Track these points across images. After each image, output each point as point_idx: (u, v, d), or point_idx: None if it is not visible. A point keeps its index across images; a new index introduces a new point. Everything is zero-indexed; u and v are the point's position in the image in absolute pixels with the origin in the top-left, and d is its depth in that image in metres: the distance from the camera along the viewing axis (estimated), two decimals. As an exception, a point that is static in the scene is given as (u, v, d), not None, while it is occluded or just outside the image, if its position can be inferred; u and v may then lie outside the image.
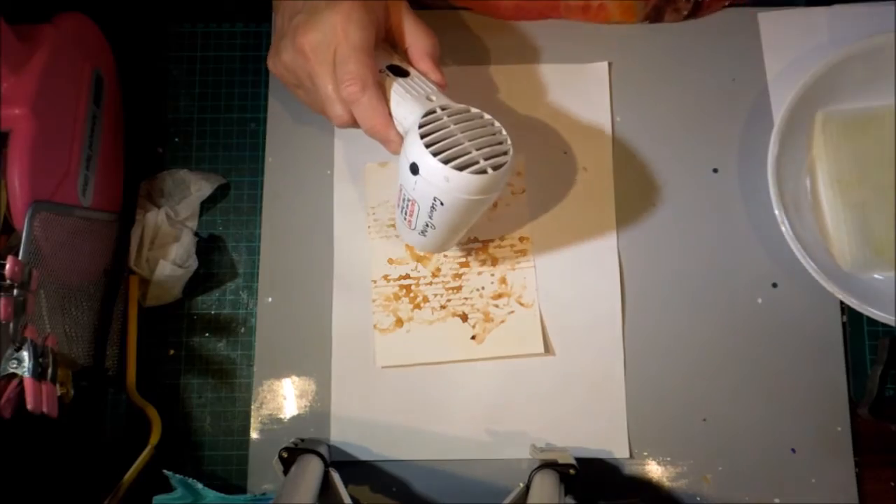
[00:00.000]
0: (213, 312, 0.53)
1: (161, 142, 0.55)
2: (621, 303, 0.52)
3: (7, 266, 0.38)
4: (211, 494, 0.48)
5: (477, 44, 0.55)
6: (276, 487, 0.50)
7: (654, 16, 0.54)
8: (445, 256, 0.52)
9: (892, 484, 0.50)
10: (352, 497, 0.45)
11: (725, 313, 0.52)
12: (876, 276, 0.51)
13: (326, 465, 0.47)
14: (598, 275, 0.52)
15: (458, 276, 0.52)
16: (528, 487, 0.45)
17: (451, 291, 0.52)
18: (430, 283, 0.52)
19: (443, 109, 0.41)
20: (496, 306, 0.52)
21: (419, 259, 0.52)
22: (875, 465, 0.50)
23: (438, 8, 0.55)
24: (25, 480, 0.49)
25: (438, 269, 0.52)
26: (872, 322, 0.51)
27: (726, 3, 0.54)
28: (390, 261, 0.52)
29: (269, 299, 0.52)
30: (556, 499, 0.42)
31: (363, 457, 0.51)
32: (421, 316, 0.52)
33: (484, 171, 0.39)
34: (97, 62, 0.49)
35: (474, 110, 0.42)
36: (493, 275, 0.52)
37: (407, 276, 0.52)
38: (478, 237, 0.53)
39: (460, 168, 0.39)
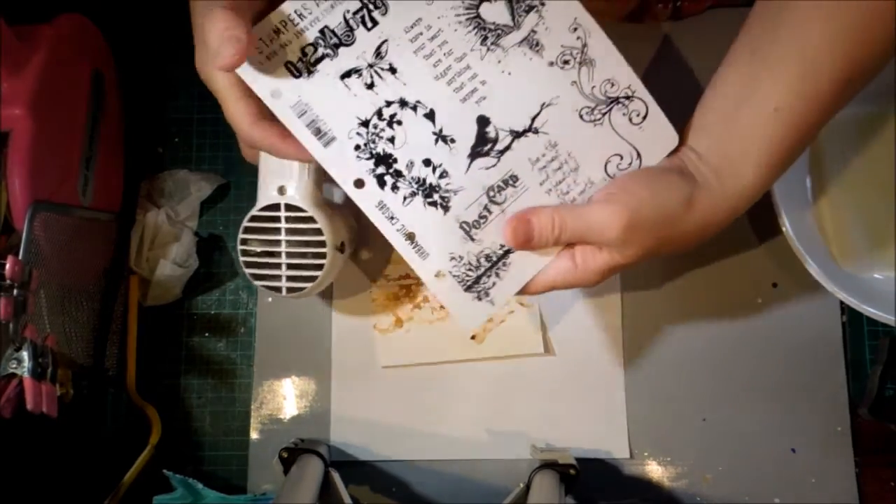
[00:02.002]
0: (213, 312, 0.53)
1: (161, 142, 0.55)
2: (621, 303, 0.52)
3: (7, 266, 0.38)
4: (211, 494, 0.48)
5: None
6: (276, 487, 0.50)
7: (631, 19, 0.54)
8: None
9: (892, 484, 0.50)
10: (352, 497, 0.45)
11: (725, 313, 0.52)
12: (876, 276, 0.51)
13: (326, 465, 0.47)
14: (598, 275, 0.52)
15: (458, 276, 0.52)
16: (528, 487, 0.45)
17: (451, 291, 0.52)
18: (430, 283, 0.52)
19: (263, 220, 0.43)
20: (496, 306, 0.52)
21: (419, 259, 0.52)
22: (875, 465, 0.50)
23: None
24: (25, 480, 0.49)
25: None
26: (872, 322, 0.51)
27: (704, 6, 0.54)
28: (390, 261, 0.52)
29: (269, 299, 0.52)
30: (556, 499, 0.42)
31: (363, 457, 0.51)
32: (421, 316, 0.52)
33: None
34: (97, 62, 0.49)
35: (308, 215, 0.43)
36: (493, 275, 0.52)
37: (407, 276, 0.52)
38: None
39: (268, 287, 0.44)
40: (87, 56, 0.48)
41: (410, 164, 0.37)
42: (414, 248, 0.38)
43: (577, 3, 0.36)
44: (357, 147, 0.37)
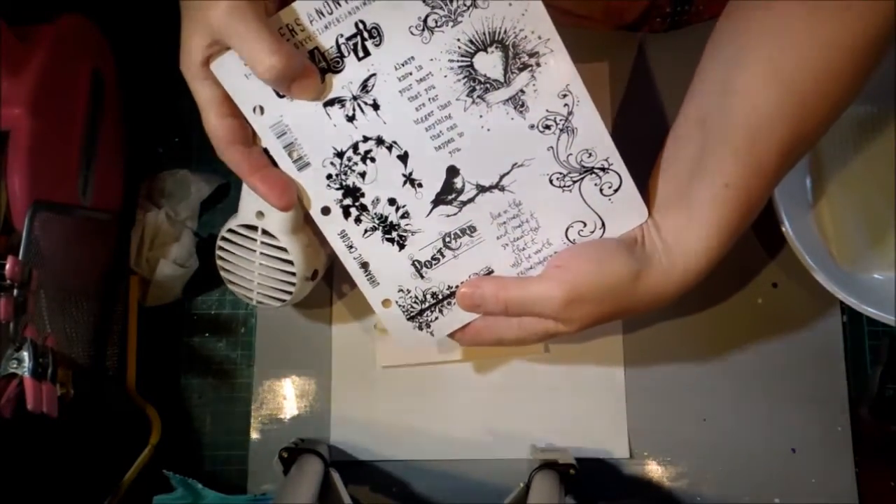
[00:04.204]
0: (213, 312, 0.53)
1: (161, 142, 0.55)
2: (621, 303, 0.52)
3: (7, 266, 0.38)
4: (211, 494, 0.48)
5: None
6: (276, 487, 0.50)
7: (630, 28, 0.54)
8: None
9: (892, 484, 0.50)
10: (352, 497, 0.45)
11: (725, 313, 0.52)
12: (876, 276, 0.51)
13: (326, 465, 0.47)
14: (598, 275, 0.52)
15: (458, 276, 0.52)
16: (528, 487, 0.45)
17: (451, 291, 0.52)
18: (430, 283, 0.52)
19: (241, 236, 0.43)
20: (496, 306, 0.52)
21: (419, 259, 0.52)
22: (875, 465, 0.50)
23: None
24: (25, 480, 0.49)
25: (438, 269, 0.52)
26: (872, 322, 0.51)
27: (704, 19, 0.54)
28: (390, 261, 0.52)
29: (269, 299, 0.53)
30: (556, 499, 0.42)
31: (363, 457, 0.51)
32: (421, 316, 0.52)
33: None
34: (97, 62, 0.49)
35: (282, 245, 0.43)
36: (493, 275, 0.52)
37: (407, 276, 0.52)
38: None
39: (239, 293, 0.45)
40: (87, 56, 0.48)
41: (376, 201, 0.38)
42: (367, 275, 0.40)
43: (574, 71, 0.36)
44: (329, 176, 0.38)
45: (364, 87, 0.36)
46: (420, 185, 0.38)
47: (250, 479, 0.51)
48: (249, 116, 0.36)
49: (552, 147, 0.37)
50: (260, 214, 0.43)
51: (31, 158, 0.41)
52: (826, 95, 0.34)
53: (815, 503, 0.49)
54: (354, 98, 0.36)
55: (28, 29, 0.43)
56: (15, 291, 0.39)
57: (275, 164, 0.38)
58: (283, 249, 0.43)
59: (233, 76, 0.35)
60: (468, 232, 0.39)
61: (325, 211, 0.39)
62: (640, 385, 0.51)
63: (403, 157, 0.37)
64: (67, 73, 0.45)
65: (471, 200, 0.38)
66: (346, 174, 0.38)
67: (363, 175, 0.38)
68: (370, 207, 0.38)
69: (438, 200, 0.38)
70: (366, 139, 0.37)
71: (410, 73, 0.36)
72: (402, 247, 0.39)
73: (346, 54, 0.35)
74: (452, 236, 0.39)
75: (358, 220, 0.39)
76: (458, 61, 0.35)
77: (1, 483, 0.46)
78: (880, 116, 0.51)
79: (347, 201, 0.38)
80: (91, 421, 0.49)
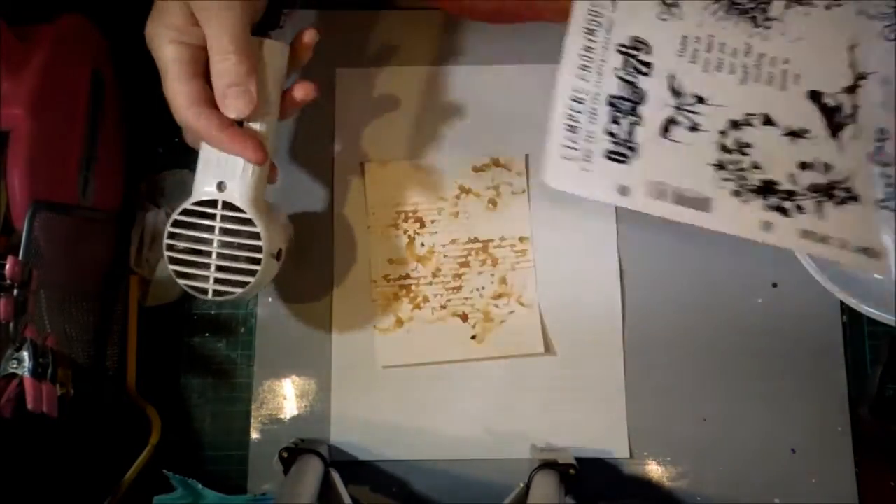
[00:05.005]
0: (213, 312, 0.53)
1: (161, 142, 0.55)
2: (621, 302, 0.52)
3: (7, 266, 0.38)
4: (211, 494, 0.48)
5: (478, 45, 0.55)
6: (276, 487, 0.50)
7: None
8: (445, 257, 0.52)
9: (892, 484, 0.50)
10: (352, 497, 0.45)
11: (725, 313, 0.52)
12: (876, 276, 0.50)
13: (326, 465, 0.47)
14: (598, 275, 0.52)
15: (458, 276, 0.52)
16: (528, 487, 0.45)
17: (451, 291, 0.52)
18: (430, 283, 0.52)
19: (197, 214, 0.40)
20: (496, 306, 0.52)
21: (419, 259, 0.52)
22: (875, 465, 0.50)
23: (418, 9, 0.55)
24: (25, 480, 0.49)
25: (438, 269, 0.52)
26: (872, 322, 0.51)
27: None
28: (390, 261, 0.52)
29: (269, 299, 0.52)
30: (556, 499, 0.42)
31: (363, 457, 0.51)
32: (421, 316, 0.52)
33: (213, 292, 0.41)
34: (97, 62, 0.49)
35: (247, 217, 0.40)
36: (493, 275, 0.52)
37: (407, 276, 0.52)
38: (478, 237, 0.53)
39: (191, 287, 0.41)
40: (87, 56, 0.48)
41: (792, 176, 0.34)
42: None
43: None
44: (736, 193, 0.33)
45: (674, 91, 0.33)
46: (805, 131, 0.34)
47: (250, 479, 0.51)
48: (622, 202, 0.33)
49: (862, 11, 0.34)
50: (221, 186, 0.40)
51: (31, 158, 0.41)
52: None
53: (815, 503, 0.49)
54: (677, 108, 0.33)
55: (28, 29, 0.43)
56: (15, 291, 0.39)
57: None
58: (249, 221, 0.40)
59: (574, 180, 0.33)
60: (884, 135, 0.34)
61: (766, 226, 0.35)
62: (640, 385, 0.51)
63: (768, 120, 0.33)
64: (67, 73, 0.45)
65: (855, 108, 0.34)
66: (744, 178, 0.34)
67: (757, 166, 0.33)
68: (795, 186, 0.34)
69: (834, 127, 0.34)
70: (722, 133, 0.33)
71: (696, 50, 0.33)
72: (856, 200, 0.34)
73: (633, 80, 0.33)
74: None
75: (800, 208, 0.34)
76: (718, 7, 0.33)
77: (1, 483, 0.46)
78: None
79: (772, 200, 0.34)
80: (91, 421, 0.49)
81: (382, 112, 0.54)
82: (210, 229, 0.40)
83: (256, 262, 0.41)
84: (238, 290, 0.41)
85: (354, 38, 0.55)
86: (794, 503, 0.49)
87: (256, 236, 0.41)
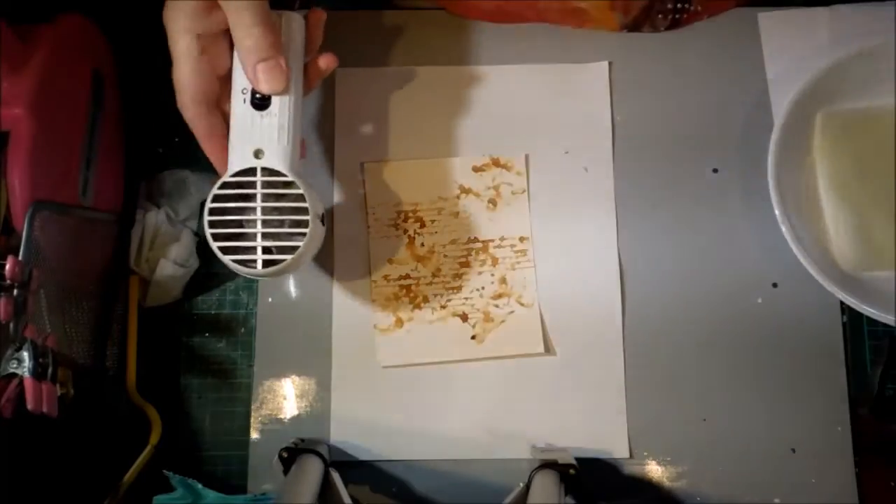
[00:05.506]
0: (213, 312, 0.53)
1: (161, 142, 0.55)
2: (621, 303, 0.52)
3: (7, 266, 0.38)
4: (211, 494, 0.48)
5: (479, 45, 0.55)
6: (276, 487, 0.50)
7: (633, 27, 0.54)
8: (445, 257, 0.52)
9: (892, 484, 0.50)
10: (352, 497, 0.45)
11: (725, 313, 0.52)
12: (876, 275, 0.51)
13: (326, 465, 0.47)
14: (598, 275, 0.52)
15: (458, 276, 0.52)
16: (528, 487, 0.45)
17: (451, 291, 0.52)
18: (430, 283, 0.52)
19: (236, 186, 0.40)
20: (496, 306, 0.52)
21: (419, 259, 0.52)
22: (875, 465, 0.50)
23: (418, 8, 0.55)
24: (25, 480, 0.49)
25: (439, 269, 0.52)
26: (872, 322, 0.51)
27: (703, 18, 0.54)
28: (390, 261, 0.52)
29: (269, 299, 0.52)
30: (556, 499, 0.42)
31: (363, 457, 0.51)
32: (421, 316, 0.52)
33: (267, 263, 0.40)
34: (97, 62, 0.49)
35: (282, 179, 0.40)
36: (493, 275, 0.52)
37: (407, 276, 0.52)
38: (478, 237, 0.53)
39: (238, 262, 0.40)
40: (87, 56, 0.48)
41: None
42: None
43: None
44: None
45: None
46: None
47: (250, 479, 0.51)
48: None
49: None
50: (258, 153, 0.40)
51: (31, 158, 0.41)
52: None
53: (815, 503, 0.49)
54: None
55: (28, 29, 0.43)
56: (15, 291, 0.39)
57: None
58: (291, 184, 0.40)
59: None
60: None
61: None
62: (640, 385, 0.51)
63: None
64: (67, 73, 0.45)
65: None
66: None
67: None
68: None
69: None
70: None
71: None
72: None
73: None
74: None
75: None
76: None
77: (1, 483, 0.46)
78: (880, 117, 0.51)
79: None
80: (91, 421, 0.49)
81: (382, 112, 0.54)
82: (251, 198, 0.40)
83: (303, 224, 0.40)
84: (288, 257, 0.40)
85: (354, 38, 0.55)
86: (793, 503, 0.49)
87: (301, 198, 0.40)
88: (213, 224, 0.40)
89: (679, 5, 0.53)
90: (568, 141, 0.54)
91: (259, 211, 0.40)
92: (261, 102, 0.41)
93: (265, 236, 0.40)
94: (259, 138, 0.40)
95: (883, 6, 0.54)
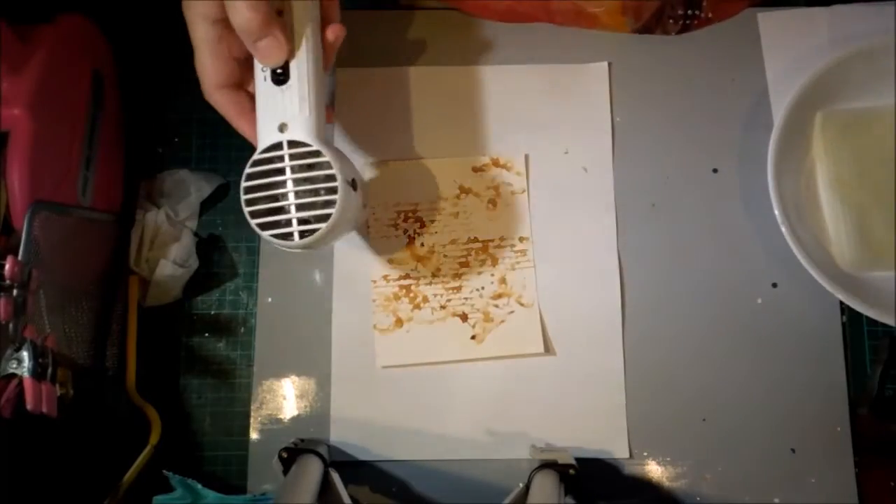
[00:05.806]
0: (213, 312, 0.53)
1: (161, 142, 0.55)
2: (621, 303, 0.52)
3: (7, 266, 0.38)
4: (211, 494, 0.48)
5: (478, 45, 0.55)
6: (276, 487, 0.50)
7: (643, 31, 0.54)
8: (445, 257, 0.52)
9: (892, 484, 0.50)
10: (352, 497, 0.45)
11: (725, 313, 0.52)
12: (876, 275, 0.51)
13: (326, 465, 0.47)
14: (597, 275, 0.52)
15: (458, 276, 0.52)
16: (528, 487, 0.45)
17: (451, 291, 0.52)
18: (430, 283, 0.52)
19: (266, 163, 0.41)
20: (496, 306, 0.52)
21: (419, 259, 0.52)
22: (875, 465, 0.50)
23: (427, 8, 0.55)
24: (25, 480, 0.49)
25: (438, 269, 0.52)
26: (872, 322, 0.51)
27: (714, 23, 0.54)
28: (390, 261, 0.52)
29: (269, 299, 0.52)
30: (556, 499, 0.42)
31: (363, 457, 0.51)
32: (421, 316, 0.52)
33: (299, 235, 0.41)
34: (97, 62, 0.49)
35: (308, 150, 0.41)
36: (493, 275, 0.52)
37: (407, 276, 0.52)
38: (478, 237, 0.53)
39: (277, 236, 0.41)
40: (87, 56, 0.48)
41: None
42: None
43: None
44: None
45: None
46: None
47: (250, 479, 0.51)
48: None
49: None
50: (282, 128, 0.41)
51: (31, 158, 0.41)
52: None
53: (815, 503, 0.49)
54: None
55: (28, 29, 0.43)
56: (15, 291, 0.39)
57: None
58: (317, 153, 0.40)
59: None
60: None
61: None
62: (640, 385, 0.51)
63: None
64: (67, 73, 0.45)
65: None
66: None
67: None
68: None
69: None
70: None
71: None
72: None
73: None
74: None
75: None
76: None
77: (1, 483, 0.46)
78: (880, 116, 0.51)
79: None
80: (91, 421, 0.49)
81: (382, 112, 0.54)
82: (281, 172, 0.40)
83: (333, 191, 0.41)
84: (322, 226, 0.40)
85: (354, 38, 0.55)
86: (793, 503, 0.49)
87: (327, 165, 0.41)
88: (249, 202, 0.41)
89: (689, 11, 0.53)
90: (568, 141, 0.54)
91: (290, 183, 0.40)
92: (280, 77, 0.41)
93: (301, 207, 0.40)
94: (282, 112, 0.41)
95: (883, 6, 0.54)
